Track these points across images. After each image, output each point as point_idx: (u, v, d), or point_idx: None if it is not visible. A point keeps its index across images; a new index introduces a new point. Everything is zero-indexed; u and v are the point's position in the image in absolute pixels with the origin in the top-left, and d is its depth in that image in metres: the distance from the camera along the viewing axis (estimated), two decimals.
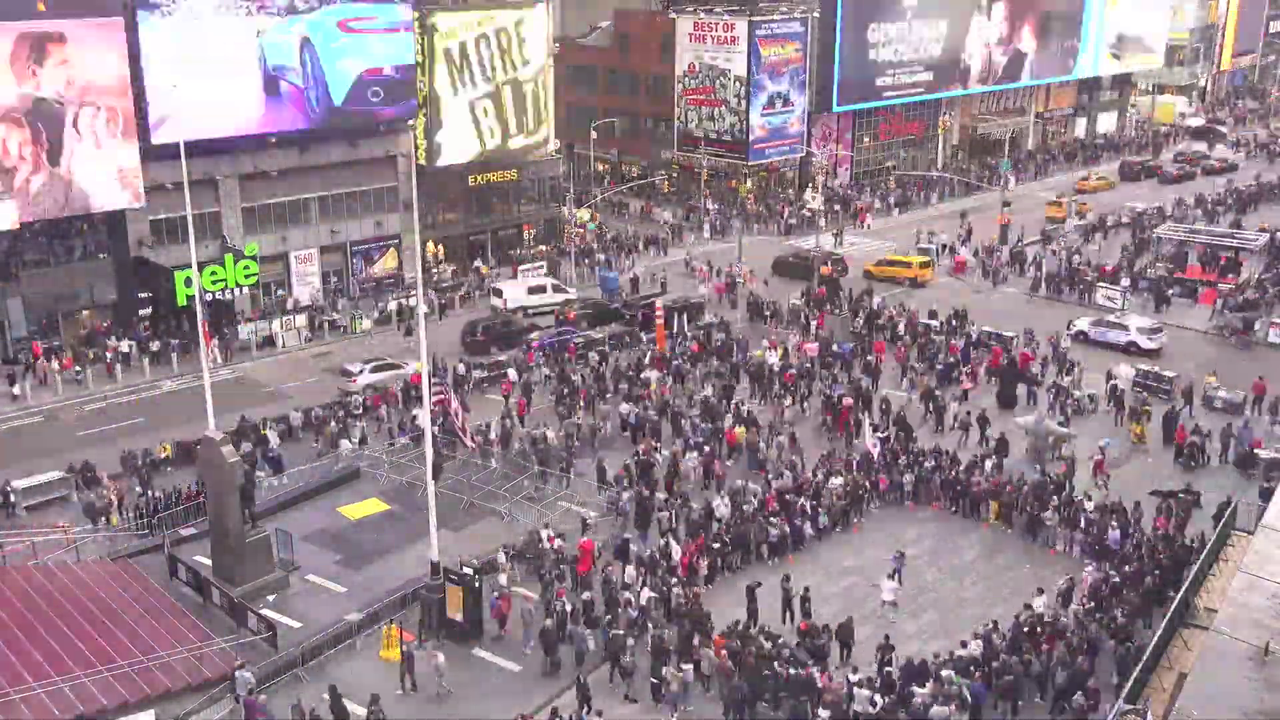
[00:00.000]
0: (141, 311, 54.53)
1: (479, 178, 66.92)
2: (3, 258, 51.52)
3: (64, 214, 51.30)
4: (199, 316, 39.44)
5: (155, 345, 52.45)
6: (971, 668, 28.18)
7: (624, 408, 44.43)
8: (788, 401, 46.23)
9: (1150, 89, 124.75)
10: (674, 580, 32.40)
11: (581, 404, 45.58)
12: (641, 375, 47.97)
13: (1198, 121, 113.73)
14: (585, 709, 27.52)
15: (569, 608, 31.20)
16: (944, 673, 27.61)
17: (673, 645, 29.53)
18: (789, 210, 78.72)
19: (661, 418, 44.03)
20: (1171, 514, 35.73)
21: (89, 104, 50.05)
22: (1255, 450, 40.26)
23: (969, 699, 26.95)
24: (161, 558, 35.21)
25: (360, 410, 45.15)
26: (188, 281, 50.03)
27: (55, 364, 49.92)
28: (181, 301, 52.02)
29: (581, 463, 40.86)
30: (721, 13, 77.83)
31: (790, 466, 39.56)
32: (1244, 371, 48.21)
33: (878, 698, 27.14)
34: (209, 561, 34.78)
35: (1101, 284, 61.16)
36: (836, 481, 37.75)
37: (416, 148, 62.45)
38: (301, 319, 56.69)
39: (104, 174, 51.10)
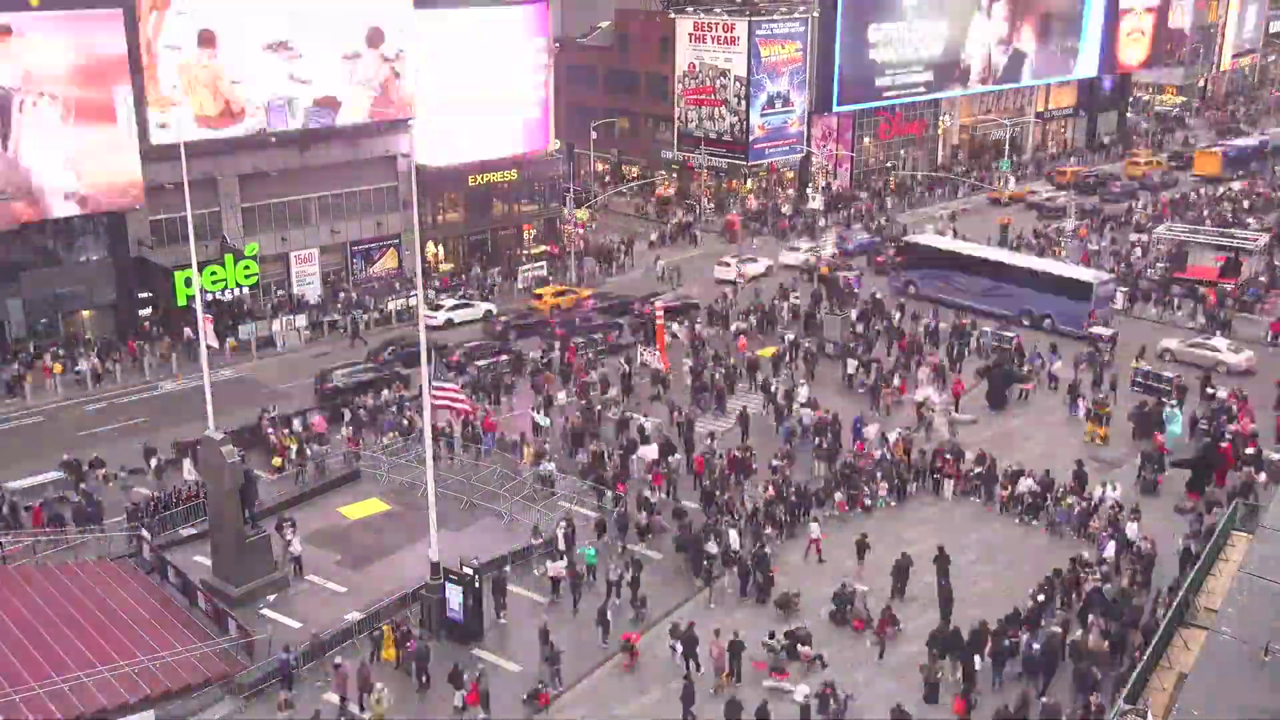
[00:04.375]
0: (142, 312, 54.59)
1: (479, 178, 66.92)
2: (3, 258, 51.56)
3: None
4: (199, 316, 39.43)
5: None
6: None
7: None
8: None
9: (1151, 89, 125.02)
10: None
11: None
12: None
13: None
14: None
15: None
16: None
17: None
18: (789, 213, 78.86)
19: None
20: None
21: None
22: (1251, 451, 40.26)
23: None
24: (159, 558, 35.15)
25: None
26: (188, 281, 50.02)
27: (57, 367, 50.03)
28: (181, 301, 52.05)
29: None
30: (721, 13, 77.83)
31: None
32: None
33: None
34: (209, 562, 34.80)
35: None
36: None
37: None
38: (302, 319, 56.65)
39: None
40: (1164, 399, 44.49)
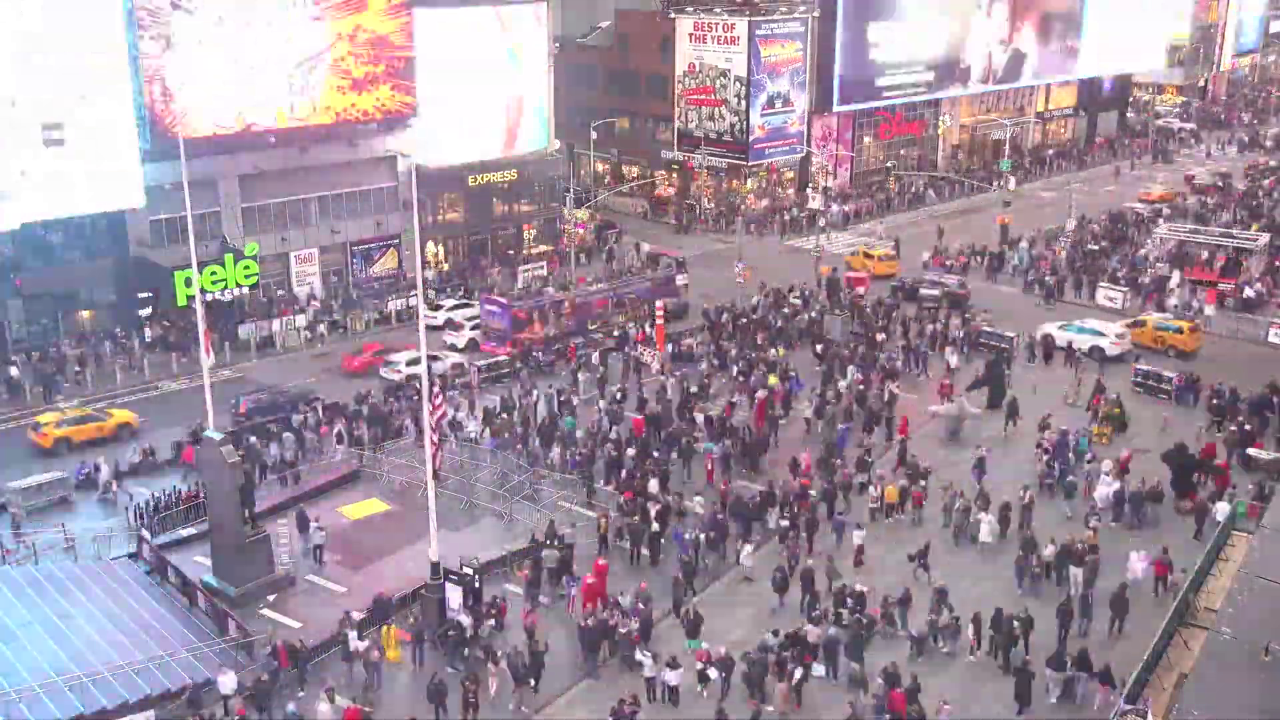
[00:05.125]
0: (141, 312, 54.59)
1: (479, 178, 66.90)
2: (3, 258, 51.55)
3: None
4: (199, 316, 39.37)
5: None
6: None
7: None
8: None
9: (1151, 89, 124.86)
10: None
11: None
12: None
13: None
14: None
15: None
16: None
17: None
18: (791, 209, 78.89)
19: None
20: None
21: None
22: (1253, 452, 40.35)
23: None
24: (159, 558, 35.13)
25: None
26: (188, 281, 50.00)
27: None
28: (181, 302, 52.04)
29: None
30: (721, 13, 77.79)
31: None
32: (1238, 370, 48.33)
33: None
34: (209, 562, 34.79)
35: (1102, 285, 61.15)
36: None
37: None
38: (302, 319, 56.65)
39: None
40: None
